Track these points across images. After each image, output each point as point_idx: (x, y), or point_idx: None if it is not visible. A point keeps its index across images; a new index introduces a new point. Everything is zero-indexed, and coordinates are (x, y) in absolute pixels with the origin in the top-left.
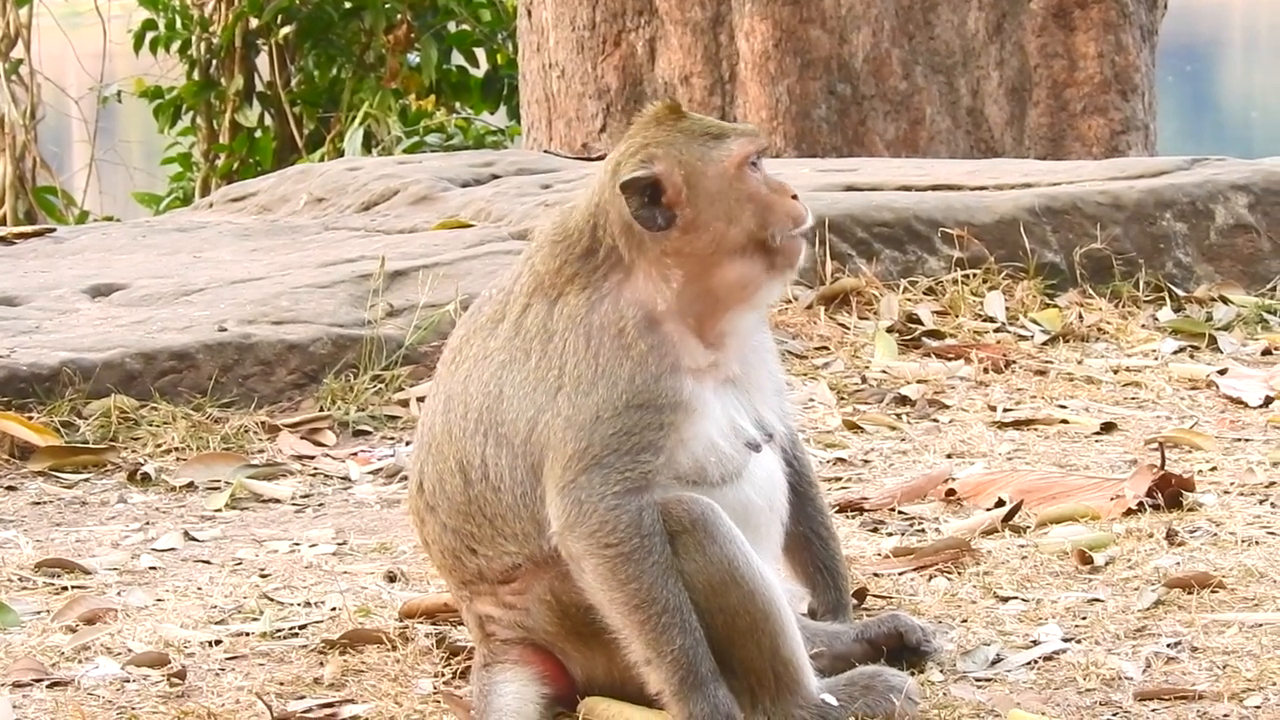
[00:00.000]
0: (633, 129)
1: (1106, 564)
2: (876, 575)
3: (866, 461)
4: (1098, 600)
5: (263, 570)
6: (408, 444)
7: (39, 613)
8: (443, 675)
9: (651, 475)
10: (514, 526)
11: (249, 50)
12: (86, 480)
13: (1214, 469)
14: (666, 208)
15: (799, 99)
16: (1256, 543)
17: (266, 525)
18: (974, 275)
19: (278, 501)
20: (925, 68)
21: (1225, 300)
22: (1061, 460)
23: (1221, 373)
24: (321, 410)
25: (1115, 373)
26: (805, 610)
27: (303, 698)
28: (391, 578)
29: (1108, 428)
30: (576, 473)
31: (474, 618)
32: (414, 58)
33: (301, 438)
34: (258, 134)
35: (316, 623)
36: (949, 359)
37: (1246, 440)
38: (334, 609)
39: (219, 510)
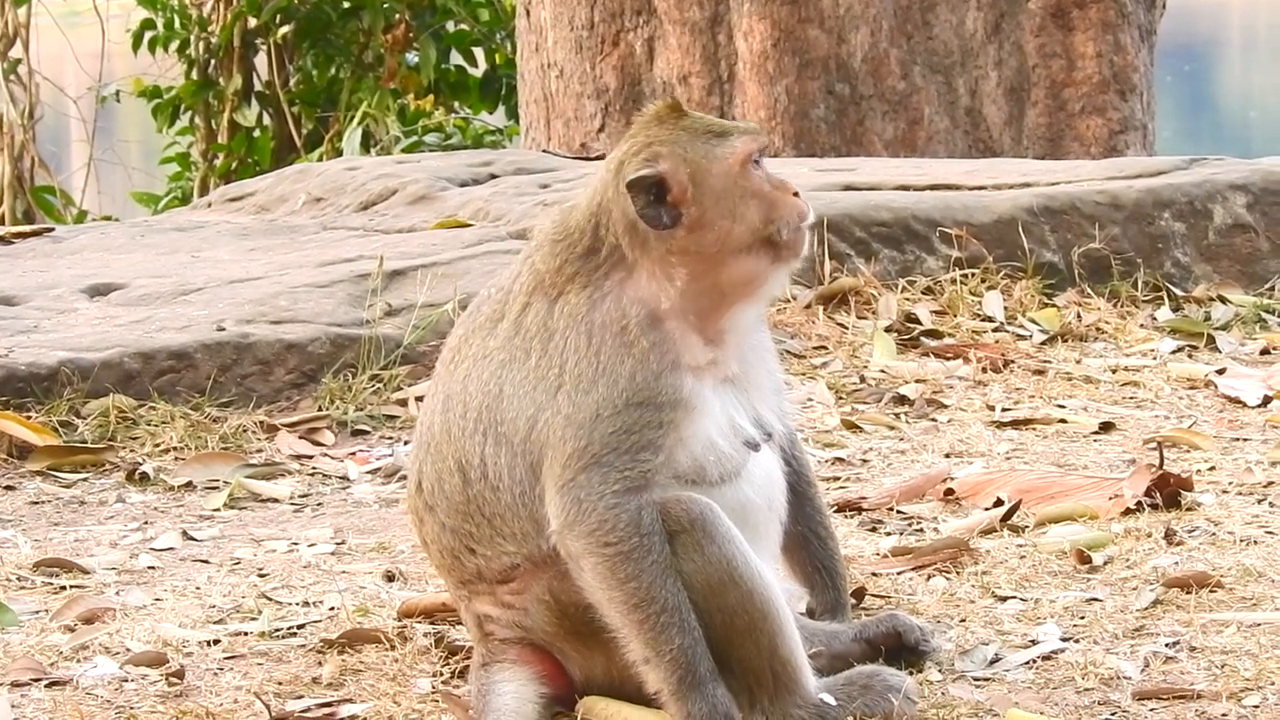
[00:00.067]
0: (634, 128)
1: (1105, 563)
2: (875, 575)
3: (865, 461)
4: (1096, 600)
5: (261, 570)
6: (406, 443)
7: (37, 612)
8: (441, 675)
9: (651, 474)
10: (513, 526)
11: (247, 50)
12: (85, 480)
13: (1212, 468)
14: (672, 206)
15: (797, 99)
16: (1255, 542)
17: (265, 525)
18: (972, 275)
19: (276, 501)
20: (924, 68)
21: (1224, 300)
22: (1060, 460)
23: (1220, 372)
24: (320, 410)
25: (1114, 372)
26: (803, 609)
27: (301, 697)
28: (390, 577)
29: (1106, 427)
30: (576, 471)
31: (472, 617)
32: (412, 57)
33: (300, 437)
34: (256, 134)
35: (315, 622)
36: (947, 358)
37: (1245, 440)
38: (332, 608)
39: (217, 510)
